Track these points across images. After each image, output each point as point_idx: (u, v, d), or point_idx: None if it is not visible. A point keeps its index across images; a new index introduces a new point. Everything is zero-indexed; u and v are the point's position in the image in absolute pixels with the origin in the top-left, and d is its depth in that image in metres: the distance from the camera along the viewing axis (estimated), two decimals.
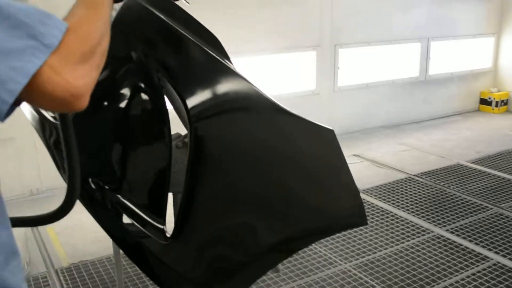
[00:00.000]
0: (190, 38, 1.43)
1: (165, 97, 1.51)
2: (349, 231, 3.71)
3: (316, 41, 5.75)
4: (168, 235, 1.45)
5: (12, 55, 0.80)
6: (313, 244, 3.51)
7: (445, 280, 3.11)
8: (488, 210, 4.08)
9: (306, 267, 3.26)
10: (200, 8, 4.82)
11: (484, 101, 7.38)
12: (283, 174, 1.47)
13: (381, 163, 5.17)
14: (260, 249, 1.48)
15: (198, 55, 1.47)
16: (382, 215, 4.00)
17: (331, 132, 1.62)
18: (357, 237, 3.64)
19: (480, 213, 4.03)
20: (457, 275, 3.17)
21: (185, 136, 1.63)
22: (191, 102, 1.37)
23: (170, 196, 1.66)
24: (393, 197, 4.34)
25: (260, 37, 5.37)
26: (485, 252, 3.44)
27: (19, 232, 3.73)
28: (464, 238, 3.63)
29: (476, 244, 3.55)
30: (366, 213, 3.95)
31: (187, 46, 1.46)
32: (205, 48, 1.46)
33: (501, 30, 7.29)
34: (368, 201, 4.24)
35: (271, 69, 5.52)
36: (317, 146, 1.60)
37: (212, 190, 1.37)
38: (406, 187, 4.56)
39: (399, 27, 6.35)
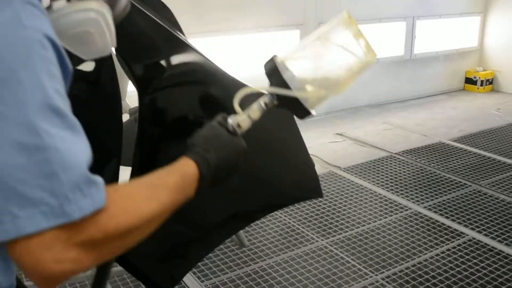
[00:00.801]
0: (136, 5, 1.41)
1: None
2: (328, 208, 3.73)
3: (300, 20, 5.72)
4: None
5: (20, 201, 0.68)
6: (290, 221, 3.53)
7: (420, 256, 3.15)
8: (467, 187, 4.11)
9: (283, 244, 3.28)
10: None
11: (469, 80, 7.39)
12: None
13: (363, 141, 5.18)
14: (215, 221, 1.49)
15: (148, 25, 1.45)
16: (362, 192, 4.02)
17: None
18: (335, 214, 3.66)
19: (458, 190, 4.06)
20: (432, 251, 3.20)
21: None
22: (139, 74, 1.36)
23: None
24: (373, 175, 4.36)
25: (243, 15, 5.33)
26: (461, 228, 3.48)
27: None
28: (441, 215, 3.66)
29: (453, 220, 3.58)
30: (346, 191, 4.00)
31: (135, 15, 1.44)
32: (155, 19, 1.45)
33: (487, 9, 7.27)
34: (348, 179, 4.26)
35: (255, 48, 5.50)
36: (272, 118, 1.60)
37: (160, 164, 1.36)
38: (386, 165, 4.58)
39: (384, 6, 6.32)
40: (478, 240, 3.32)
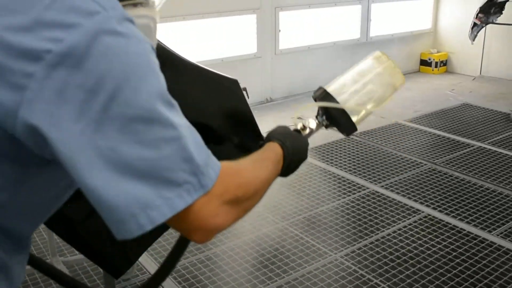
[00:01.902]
0: None
1: None
2: (287, 191, 3.76)
3: (256, 4, 5.71)
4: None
5: (168, 185, 0.78)
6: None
7: (378, 233, 3.21)
8: (422, 166, 4.21)
9: (244, 227, 3.29)
10: None
11: (424, 62, 7.53)
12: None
13: None
14: None
15: None
16: (320, 174, 4.07)
17: (235, 82, 1.62)
18: (294, 195, 3.70)
19: (414, 169, 4.15)
20: (389, 228, 3.27)
21: None
22: None
23: None
24: (332, 156, 4.41)
25: (201, 0, 5.29)
26: (417, 205, 3.56)
27: None
28: (397, 193, 3.74)
29: (409, 198, 3.66)
30: (304, 173, 4.03)
31: None
32: None
33: None
34: (306, 161, 4.29)
35: (212, 33, 5.47)
36: (221, 96, 1.60)
37: None
38: (344, 147, 4.64)
39: None
40: (434, 216, 3.40)
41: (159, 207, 0.78)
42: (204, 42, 5.42)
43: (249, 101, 5.52)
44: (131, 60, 0.78)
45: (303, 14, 6.14)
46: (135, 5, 1.02)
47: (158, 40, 1.51)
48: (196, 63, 1.54)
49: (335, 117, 1.41)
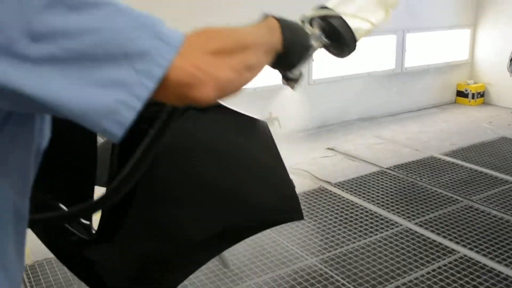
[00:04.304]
0: None
1: None
2: (318, 225, 3.68)
3: None
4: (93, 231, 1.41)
5: (137, 58, 0.74)
6: (279, 238, 3.48)
7: (411, 274, 3.10)
8: (458, 202, 4.07)
9: (272, 262, 3.22)
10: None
11: (460, 93, 7.38)
12: (213, 167, 1.42)
13: (354, 156, 5.15)
14: (192, 242, 1.44)
15: None
16: (352, 208, 3.97)
17: (264, 124, 1.57)
18: (325, 231, 3.61)
19: (450, 206, 4.02)
20: (423, 269, 3.15)
21: None
22: None
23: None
24: (364, 190, 4.32)
25: None
26: (452, 245, 3.43)
27: None
28: (432, 231, 3.62)
29: (444, 237, 3.54)
30: (336, 207, 3.95)
31: None
32: None
33: (477, 22, 7.29)
34: (339, 195, 4.21)
35: None
36: (250, 139, 1.55)
37: (137, 184, 1.31)
38: (377, 180, 4.54)
39: None
40: (470, 257, 3.27)
41: (139, 83, 0.74)
42: None
43: (281, 131, 5.51)
44: None
45: None
46: None
47: None
48: (223, 103, 1.50)
49: (334, 30, 1.24)
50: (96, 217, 1.44)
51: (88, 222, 1.43)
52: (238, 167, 1.47)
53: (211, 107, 1.48)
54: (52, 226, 1.50)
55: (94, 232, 1.45)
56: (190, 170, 1.42)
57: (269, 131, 1.57)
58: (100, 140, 1.59)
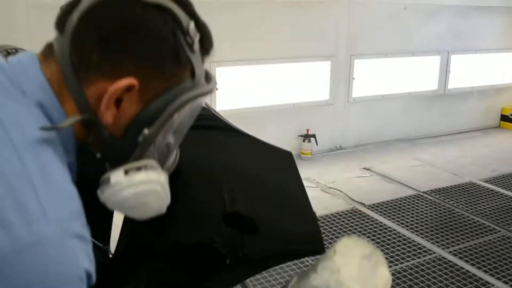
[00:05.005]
0: None
1: None
2: None
3: (331, 51, 5.67)
4: (110, 255, 1.41)
5: None
6: (311, 261, 3.43)
7: None
8: (496, 232, 3.95)
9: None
10: (218, 16, 4.79)
11: (505, 118, 7.19)
12: (237, 195, 1.41)
13: (391, 177, 5.06)
14: (209, 272, 1.43)
15: None
16: (385, 232, 3.90)
17: (288, 155, 1.55)
18: None
19: (486, 235, 3.90)
20: None
21: None
22: None
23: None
24: (399, 214, 4.23)
25: (275, 45, 5.31)
26: (486, 277, 3.32)
27: None
28: (466, 261, 3.51)
29: (479, 268, 3.43)
30: (368, 230, 3.88)
31: None
32: None
33: None
34: (372, 217, 4.14)
35: (285, 78, 5.47)
36: (273, 169, 1.53)
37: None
38: (413, 204, 4.45)
39: (418, 39, 6.22)
40: None
41: None
42: (276, 87, 5.42)
43: (318, 148, 5.48)
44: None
45: (378, 63, 6.04)
46: (138, 168, 1.00)
47: (208, 106, 1.49)
48: (248, 133, 1.49)
49: None
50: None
51: (105, 246, 1.43)
52: (261, 196, 1.46)
53: (234, 131, 1.48)
54: None
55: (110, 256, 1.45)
56: (215, 198, 1.41)
57: (293, 160, 1.55)
58: None
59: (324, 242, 3.48)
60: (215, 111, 1.50)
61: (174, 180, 1.19)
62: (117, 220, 1.58)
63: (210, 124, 1.48)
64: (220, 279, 1.49)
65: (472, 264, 3.47)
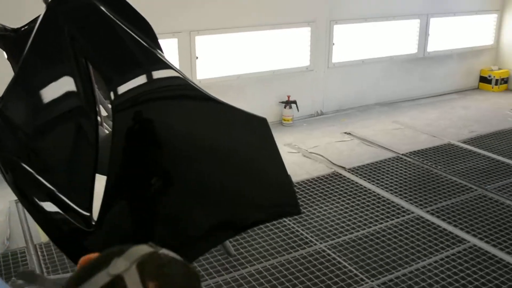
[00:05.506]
0: (120, 23, 1.40)
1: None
2: (329, 210, 3.71)
3: (311, 17, 5.67)
4: (93, 223, 1.45)
5: None
6: (290, 223, 3.51)
7: (418, 262, 3.11)
8: (472, 191, 4.05)
9: (281, 246, 3.26)
10: None
11: (484, 79, 7.28)
12: (211, 162, 1.45)
13: (371, 141, 5.14)
14: (201, 230, 1.48)
15: (127, 42, 1.44)
16: (365, 195, 3.99)
17: (263, 121, 1.59)
18: (336, 217, 3.64)
19: (463, 194, 4.01)
20: (431, 257, 3.16)
21: None
22: (115, 90, 1.35)
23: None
24: (378, 176, 4.32)
25: (254, 12, 5.30)
26: (462, 234, 3.43)
27: (3, 207, 3.77)
28: (443, 220, 3.61)
29: (455, 226, 3.53)
30: (348, 193, 3.96)
31: (116, 32, 1.43)
32: (135, 36, 1.43)
33: (504, 7, 7.14)
34: (352, 180, 4.22)
35: (265, 45, 5.47)
36: (248, 135, 1.58)
37: (134, 174, 1.36)
38: (393, 166, 4.53)
39: (397, 3, 6.24)
40: (479, 247, 3.27)
41: None
42: (256, 54, 5.43)
43: (299, 114, 5.54)
44: None
45: (358, 28, 6.06)
46: None
47: (184, 76, 1.52)
48: (223, 101, 1.53)
49: None
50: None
51: (88, 214, 1.47)
52: (235, 163, 1.50)
53: (213, 103, 1.51)
54: (52, 216, 1.55)
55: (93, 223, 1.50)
56: (189, 166, 1.45)
57: (268, 126, 1.59)
58: (102, 132, 1.64)
59: (307, 204, 3.56)
60: (190, 81, 1.53)
61: (153, 150, 1.23)
62: (99, 189, 1.63)
63: (186, 94, 1.51)
64: (204, 241, 1.55)
65: (449, 223, 3.57)
